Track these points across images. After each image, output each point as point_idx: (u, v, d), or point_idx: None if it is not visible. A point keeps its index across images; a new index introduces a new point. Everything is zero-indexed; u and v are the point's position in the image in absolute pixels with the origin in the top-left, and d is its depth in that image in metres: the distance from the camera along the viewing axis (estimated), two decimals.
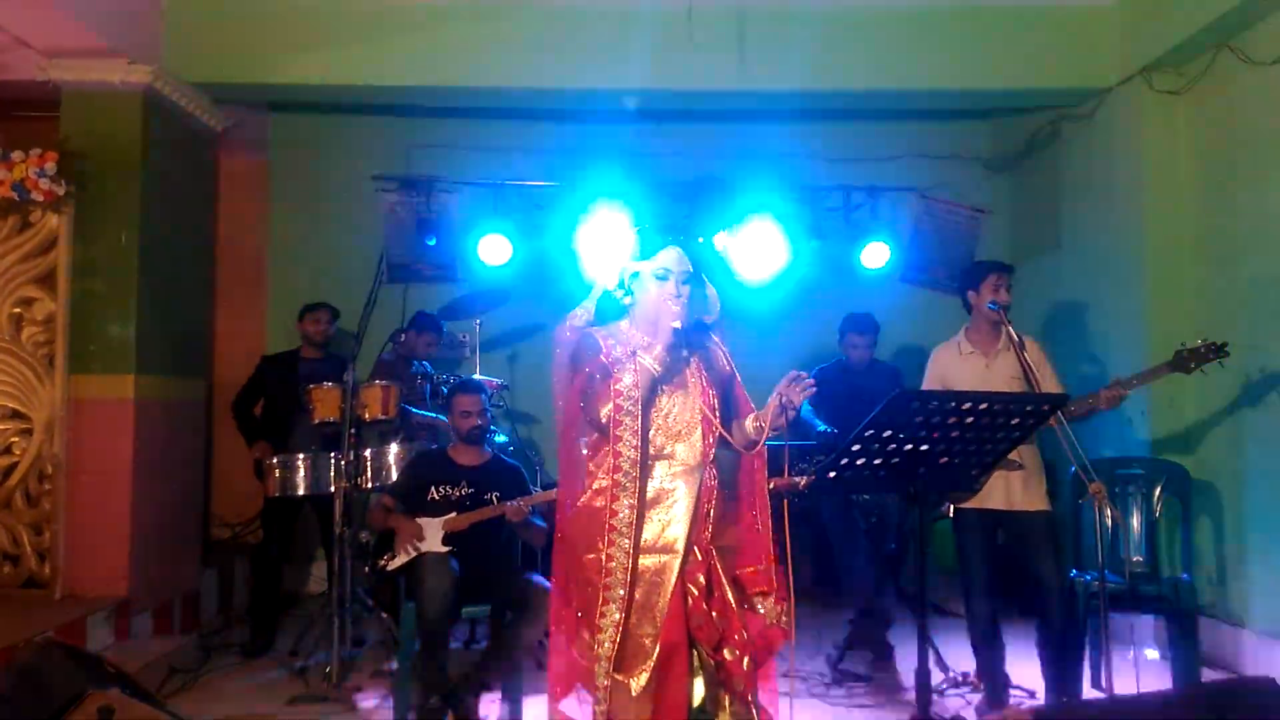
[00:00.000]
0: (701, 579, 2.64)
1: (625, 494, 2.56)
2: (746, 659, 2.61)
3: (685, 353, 2.72)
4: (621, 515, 2.55)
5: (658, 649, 2.51)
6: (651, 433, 2.65)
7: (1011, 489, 3.68)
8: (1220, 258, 4.67)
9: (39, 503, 4.68)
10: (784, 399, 2.58)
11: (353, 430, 4.33)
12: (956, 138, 6.61)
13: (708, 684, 2.67)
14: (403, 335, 5.35)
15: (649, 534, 2.61)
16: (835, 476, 2.54)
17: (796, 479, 2.72)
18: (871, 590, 4.56)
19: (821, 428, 4.64)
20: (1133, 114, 5.07)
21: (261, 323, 6.43)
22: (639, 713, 2.50)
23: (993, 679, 3.79)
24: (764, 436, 2.67)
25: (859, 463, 2.47)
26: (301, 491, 4.64)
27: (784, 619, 2.67)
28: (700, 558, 2.65)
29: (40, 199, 4.59)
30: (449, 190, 6.32)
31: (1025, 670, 3.90)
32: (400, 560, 3.92)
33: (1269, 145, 4.35)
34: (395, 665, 3.96)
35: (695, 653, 2.63)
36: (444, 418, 4.53)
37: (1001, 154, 6.58)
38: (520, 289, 5.96)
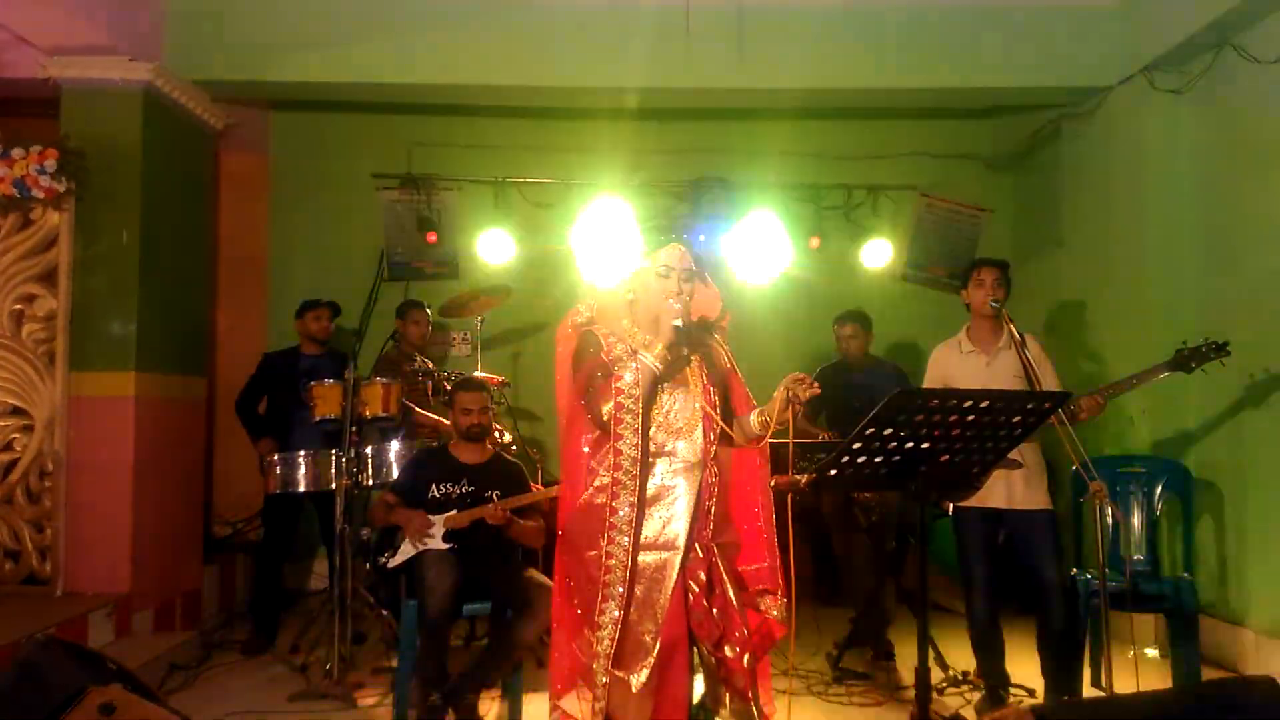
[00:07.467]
0: (703, 576, 2.64)
1: (625, 491, 2.56)
2: (747, 656, 2.61)
3: (686, 351, 2.72)
4: (621, 513, 2.55)
5: (658, 646, 2.51)
6: (652, 430, 2.64)
7: (1012, 487, 3.68)
8: (1222, 256, 4.67)
9: (40, 499, 4.69)
10: (790, 393, 2.58)
11: (354, 427, 4.33)
12: (958, 136, 6.61)
13: (708, 681, 2.67)
14: (397, 331, 5.34)
15: (650, 531, 2.61)
16: (836, 474, 2.54)
17: (798, 477, 2.72)
18: (872, 588, 4.56)
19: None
20: (1134, 113, 5.07)
21: (262, 320, 6.44)
22: (639, 709, 2.50)
23: (993, 677, 3.80)
24: (769, 430, 2.68)
25: (860, 461, 2.47)
26: (302, 488, 4.64)
27: (783, 613, 2.67)
28: (701, 555, 2.65)
29: (41, 196, 4.61)
30: (449, 188, 6.33)
31: (1025, 669, 3.90)
32: (401, 557, 3.92)
33: (1271, 144, 4.35)
34: (396, 662, 3.96)
35: (696, 650, 2.63)
36: (445, 416, 4.53)
37: (1003, 153, 6.57)
38: (521, 287, 5.96)
